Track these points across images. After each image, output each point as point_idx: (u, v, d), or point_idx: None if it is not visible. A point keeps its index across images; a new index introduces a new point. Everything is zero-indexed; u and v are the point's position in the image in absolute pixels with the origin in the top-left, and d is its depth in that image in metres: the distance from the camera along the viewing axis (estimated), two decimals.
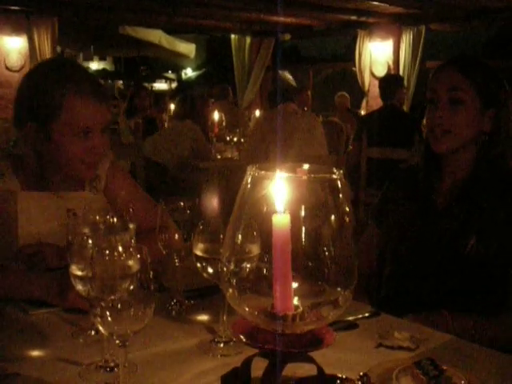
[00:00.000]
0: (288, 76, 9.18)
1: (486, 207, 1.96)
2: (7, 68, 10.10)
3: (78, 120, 1.99)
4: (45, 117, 1.99)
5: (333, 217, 1.07)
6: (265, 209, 1.05)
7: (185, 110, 6.38)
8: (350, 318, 1.68)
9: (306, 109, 7.87)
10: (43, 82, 2.02)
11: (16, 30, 9.98)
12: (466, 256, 1.93)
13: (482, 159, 2.01)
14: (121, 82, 25.24)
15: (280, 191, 1.01)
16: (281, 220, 1.00)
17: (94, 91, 2.02)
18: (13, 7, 9.48)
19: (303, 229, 1.05)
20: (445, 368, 1.33)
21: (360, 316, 1.71)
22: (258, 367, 1.13)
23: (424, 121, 6.02)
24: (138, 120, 7.55)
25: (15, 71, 10.06)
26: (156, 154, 6.00)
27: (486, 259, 1.91)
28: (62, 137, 2.00)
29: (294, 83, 8.54)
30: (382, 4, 9.08)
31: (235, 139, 6.87)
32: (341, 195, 1.07)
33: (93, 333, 1.57)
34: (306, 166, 1.12)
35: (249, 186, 1.06)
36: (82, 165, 2.04)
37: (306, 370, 1.18)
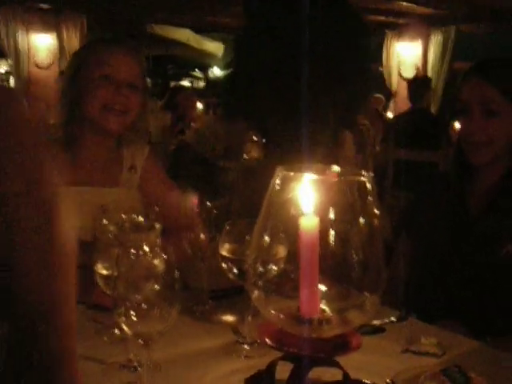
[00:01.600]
0: None
1: None
2: (36, 65, 10.19)
3: (101, 62, 2.13)
4: (76, 64, 2.17)
5: (361, 220, 1.05)
6: (293, 210, 1.03)
7: None
8: (377, 323, 1.66)
9: None
10: (85, 43, 2.41)
11: (45, 27, 10.05)
12: (501, 262, 1.89)
13: None
14: (148, 80, 25.39)
15: (308, 193, 1.00)
16: (309, 222, 0.99)
17: (122, 43, 2.22)
18: (42, 5, 9.56)
19: (331, 231, 1.04)
20: (472, 376, 1.31)
21: (387, 320, 1.69)
22: (283, 370, 1.12)
23: (453, 124, 5.94)
24: (168, 117, 7.60)
25: (44, 68, 10.14)
26: (198, 144, 6.02)
27: None
28: (85, 79, 2.13)
29: None
30: (411, 5, 9.02)
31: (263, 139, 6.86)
32: (370, 198, 1.05)
33: (117, 331, 1.56)
34: (335, 168, 1.10)
35: (277, 187, 1.05)
36: (102, 109, 2.12)
37: (331, 374, 1.17)
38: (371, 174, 1.06)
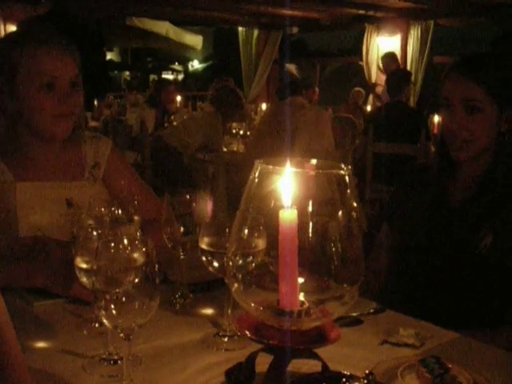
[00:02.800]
0: (293, 69, 9.17)
1: (502, 206, 1.93)
2: None
3: (39, 70, 1.99)
4: (8, 71, 2.00)
5: (340, 212, 1.06)
6: (272, 204, 1.04)
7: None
8: (355, 314, 1.67)
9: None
10: (7, 38, 2.09)
11: (23, 19, 9.96)
12: (479, 255, 1.90)
13: (499, 158, 1.97)
14: (127, 73, 25.29)
15: (287, 186, 1.00)
16: (288, 215, 0.99)
17: (55, 41, 2.03)
18: None
19: (310, 224, 1.05)
20: (450, 366, 1.32)
21: (365, 312, 1.71)
22: (263, 362, 1.13)
23: (432, 117, 5.97)
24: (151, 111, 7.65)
25: None
26: (175, 140, 6.03)
27: (501, 259, 1.89)
28: (26, 91, 1.99)
29: (298, 75, 8.53)
30: None
31: (241, 132, 6.87)
32: (348, 191, 1.06)
33: (97, 325, 1.56)
34: (313, 161, 1.11)
35: (256, 180, 1.05)
36: (52, 118, 2.02)
37: (310, 365, 1.18)
38: (350, 168, 1.07)
